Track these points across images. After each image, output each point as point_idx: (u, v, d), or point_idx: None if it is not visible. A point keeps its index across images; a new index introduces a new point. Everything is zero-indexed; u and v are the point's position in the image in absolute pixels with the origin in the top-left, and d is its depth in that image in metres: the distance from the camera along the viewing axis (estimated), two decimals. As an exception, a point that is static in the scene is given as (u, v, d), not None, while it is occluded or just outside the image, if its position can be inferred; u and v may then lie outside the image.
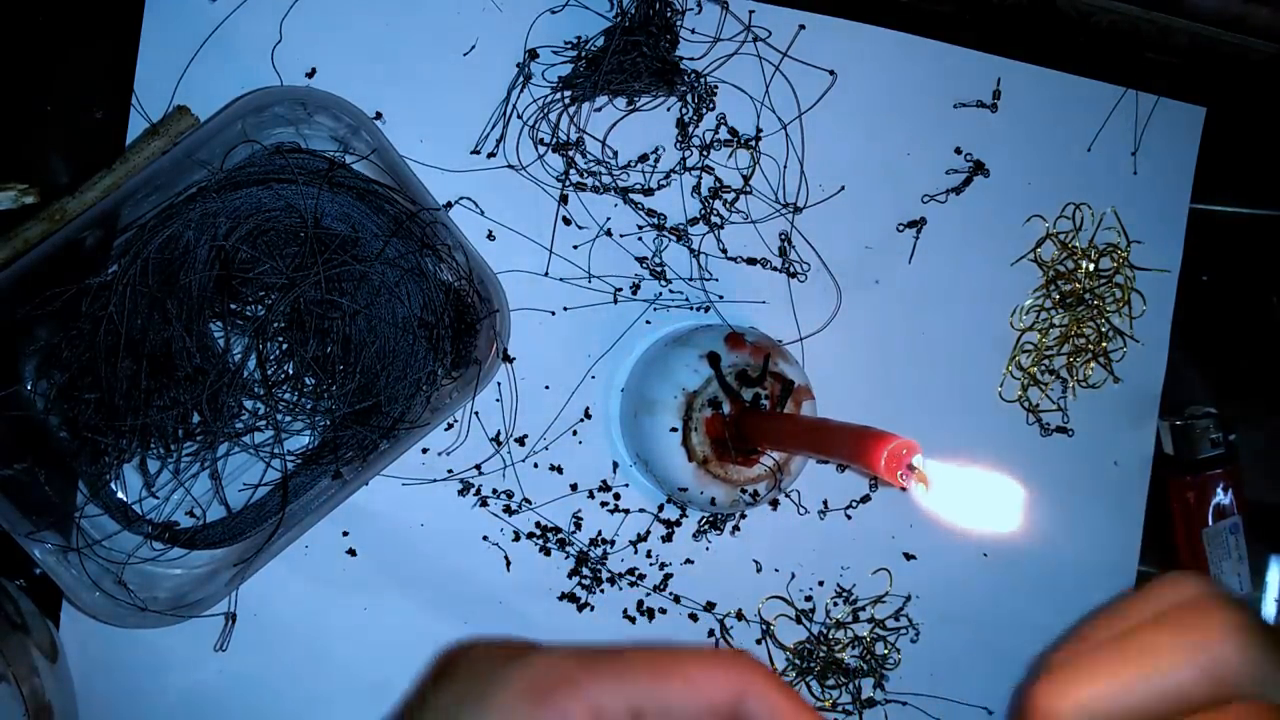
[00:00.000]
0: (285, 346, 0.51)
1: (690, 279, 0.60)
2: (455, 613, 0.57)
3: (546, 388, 0.58)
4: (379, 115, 0.55)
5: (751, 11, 0.59)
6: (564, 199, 0.57)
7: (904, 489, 0.42)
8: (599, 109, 0.57)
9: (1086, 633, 0.30)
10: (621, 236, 0.59)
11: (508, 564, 0.58)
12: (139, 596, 0.48)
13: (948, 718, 0.66)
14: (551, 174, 0.57)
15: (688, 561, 0.61)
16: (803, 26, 0.60)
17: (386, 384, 0.51)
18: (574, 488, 0.59)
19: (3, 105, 0.51)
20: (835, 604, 0.64)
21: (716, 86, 0.59)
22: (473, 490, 0.57)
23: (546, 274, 0.58)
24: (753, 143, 0.60)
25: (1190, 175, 0.70)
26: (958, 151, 0.65)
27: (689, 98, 0.58)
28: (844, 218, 0.62)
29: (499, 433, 0.57)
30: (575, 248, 0.58)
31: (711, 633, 0.61)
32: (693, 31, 0.58)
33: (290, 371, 0.51)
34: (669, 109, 0.59)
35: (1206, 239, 0.71)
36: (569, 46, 0.57)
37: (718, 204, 0.60)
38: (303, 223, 0.49)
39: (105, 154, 0.49)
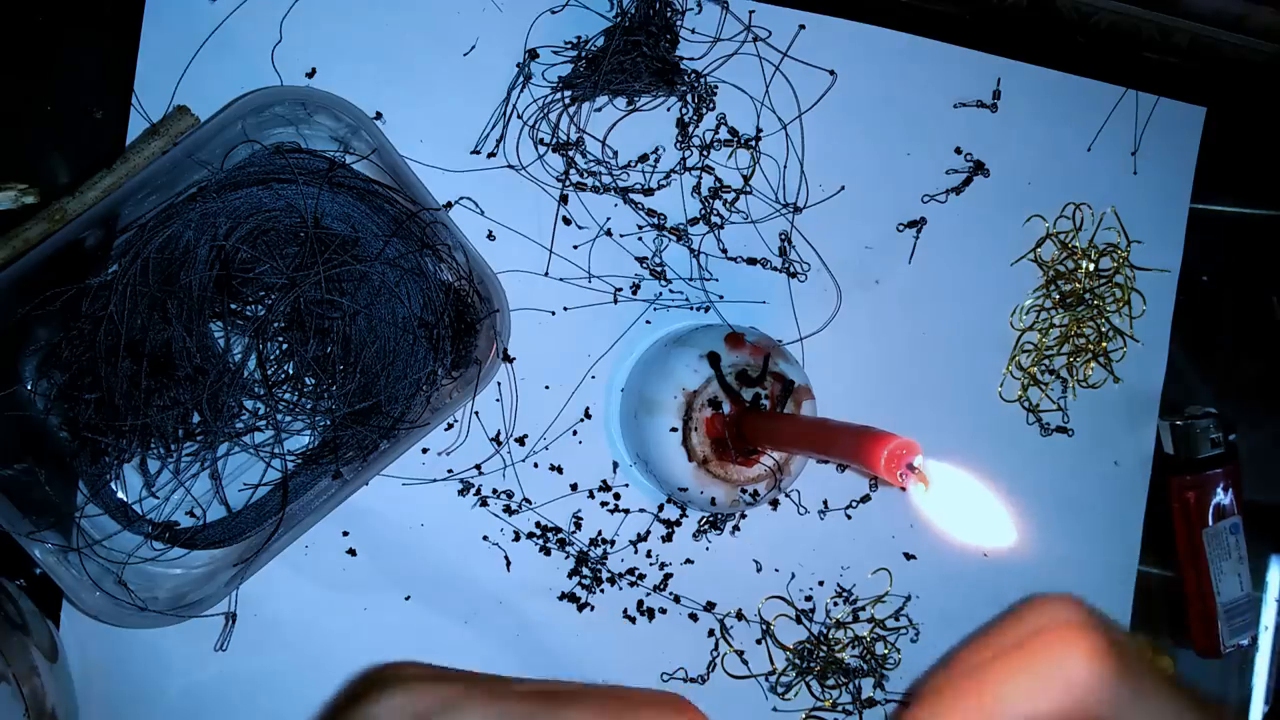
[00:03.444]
0: (285, 346, 0.51)
1: (690, 279, 0.60)
2: (455, 613, 0.57)
3: (546, 388, 0.58)
4: (379, 115, 0.55)
5: (751, 11, 0.59)
6: (564, 199, 0.57)
7: (904, 489, 0.42)
8: (599, 109, 0.57)
9: (958, 657, 0.30)
10: (621, 236, 0.59)
11: (508, 564, 0.58)
12: (139, 596, 0.48)
13: (948, 718, 0.66)
14: (551, 174, 0.57)
15: (688, 561, 0.61)
16: (803, 26, 0.60)
17: (386, 384, 0.51)
18: (574, 488, 0.59)
19: (3, 105, 0.51)
20: (835, 604, 0.64)
21: (716, 86, 0.59)
22: (473, 490, 0.57)
23: (546, 274, 0.58)
24: (753, 143, 0.60)
25: (1190, 175, 0.70)
26: (958, 151, 0.65)
27: (689, 98, 0.58)
28: (844, 218, 0.62)
29: (499, 433, 0.57)
30: (575, 248, 0.58)
31: (711, 632, 0.61)
32: (693, 31, 0.58)
33: (290, 371, 0.51)
34: (669, 109, 0.59)
35: (1206, 239, 0.71)
36: (569, 46, 0.57)
37: (718, 204, 0.60)
38: (303, 223, 0.49)
39: (105, 154, 0.49)
